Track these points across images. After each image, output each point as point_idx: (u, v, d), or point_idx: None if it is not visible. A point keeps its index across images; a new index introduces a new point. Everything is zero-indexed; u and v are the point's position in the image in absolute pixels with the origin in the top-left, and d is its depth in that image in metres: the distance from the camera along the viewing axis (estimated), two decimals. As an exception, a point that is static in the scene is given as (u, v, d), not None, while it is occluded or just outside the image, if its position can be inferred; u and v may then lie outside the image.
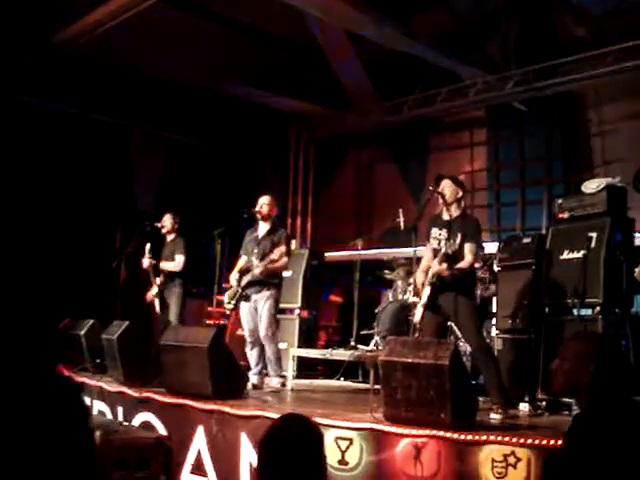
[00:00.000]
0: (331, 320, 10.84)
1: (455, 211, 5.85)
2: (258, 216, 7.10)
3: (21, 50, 9.65)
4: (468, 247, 5.65)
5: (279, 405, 6.15)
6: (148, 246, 8.10)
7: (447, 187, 5.85)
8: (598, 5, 9.07)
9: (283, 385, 6.89)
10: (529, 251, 6.84)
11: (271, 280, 6.92)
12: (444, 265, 5.56)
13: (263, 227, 7.13)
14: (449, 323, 6.30)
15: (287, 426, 2.74)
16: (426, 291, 5.66)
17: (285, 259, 6.92)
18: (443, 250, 5.57)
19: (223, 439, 5.40)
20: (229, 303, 6.98)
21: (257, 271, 6.81)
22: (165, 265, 8.15)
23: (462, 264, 5.62)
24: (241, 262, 7.18)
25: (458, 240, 5.61)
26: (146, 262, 8.07)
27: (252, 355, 6.98)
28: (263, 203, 7.11)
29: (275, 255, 6.80)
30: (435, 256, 5.74)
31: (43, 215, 10.24)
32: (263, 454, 2.69)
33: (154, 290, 8.10)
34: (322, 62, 10.68)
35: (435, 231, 5.84)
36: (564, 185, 9.91)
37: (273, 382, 6.83)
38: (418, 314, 5.71)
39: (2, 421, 1.42)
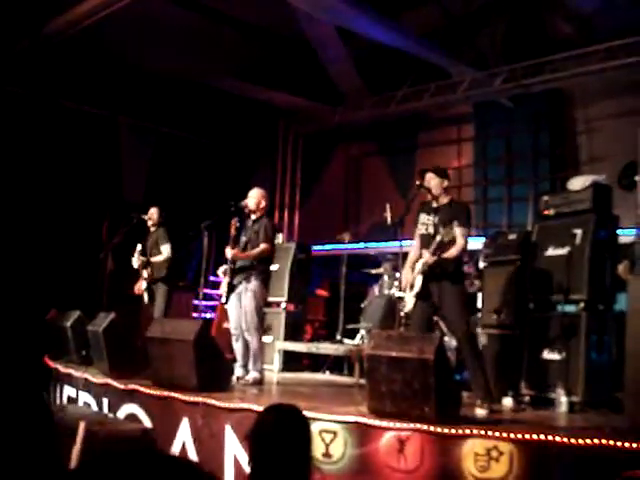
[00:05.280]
0: (317, 314, 10.86)
1: (443, 199, 5.87)
2: (245, 210, 7.08)
3: (12, 41, 9.59)
4: (459, 231, 5.59)
5: (264, 398, 6.16)
6: (139, 247, 8.07)
7: (432, 180, 5.86)
8: (587, 3, 9.12)
9: (261, 381, 6.84)
10: (514, 247, 6.88)
11: (255, 268, 6.88)
12: (435, 256, 5.55)
13: (252, 219, 7.12)
14: (435, 318, 6.32)
15: (274, 416, 2.76)
16: (418, 280, 5.65)
17: (263, 246, 6.89)
18: (438, 238, 5.53)
19: (208, 431, 5.41)
20: (223, 297, 6.97)
21: (229, 255, 6.82)
22: (155, 259, 8.12)
23: (453, 250, 5.57)
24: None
25: (454, 228, 5.56)
26: (136, 263, 8.05)
27: (238, 347, 6.97)
28: (249, 196, 7.09)
29: (260, 248, 6.83)
30: (423, 242, 5.75)
31: (30, 206, 10.20)
32: (252, 445, 2.71)
33: (143, 285, 8.09)
34: (312, 57, 10.69)
35: (423, 217, 5.82)
36: (550, 182, 9.96)
37: (250, 375, 6.80)
38: (410, 304, 5.71)
39: None
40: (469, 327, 5.91)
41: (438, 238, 5.55)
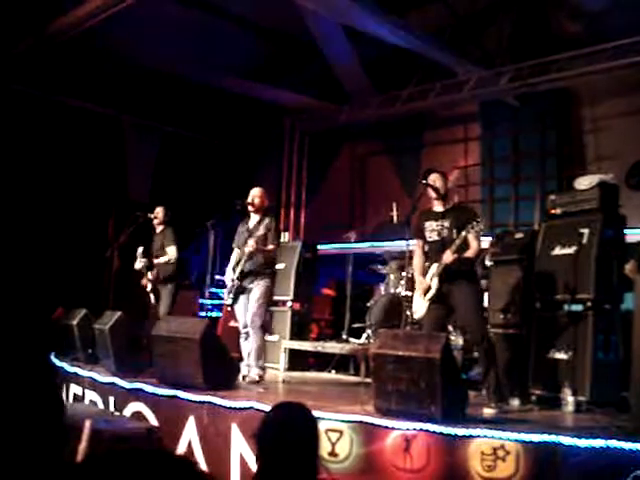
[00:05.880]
0: (323, 313, 10.84)
1: (448, 203, 5.88)
2: (250, 208, 7.09)
3: (16, 40, 9.60)
4: (472, 235, 5.61)
5: (270, 396, 6.16)
6: (140, 250, 8.08)
7: (437, 180, 5.87)
8: (593, 2, 9.09)
9: (261, 378, 6.86)
10: (521, 246, 6.86)
11: (264, 270, 6.91)
12: (456, 255, 5.54)
13: (254, 218, 7.13)
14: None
15: (281, 414, 2.76)
16: (434, 283, 5.65)
17: (271, 247, 6.92)
18: (458, 242, 5.54)
19: (214, 430, 5.41)
20: (228, 298, 6.98)
21: (249, 249, 6.80)
22: (160, 260, 8.13)
23: (469, 252, 5.61)
24: (234, 255, 7.19)
25: (468, 231, 5.55)
26: (139, 265, 8.07)
27: (246, 346, 6.98)
28: (254, 195, 7.12)
29: (271, 247, 6.84)
30: (434, 248, 5.74)
31: (36, 205, 10.21)
32: (259, 443, 2.71)
33: (148, 287, 8.10)
34: (318, 55, 10.68)
35: (431, 224, 5.82)
36: (557, 181, 9.93)
37: (252, 372, 6.81)
38: (423, 309, 5.70)
39: None
40: (486, 328, 5.91)
41: (463, 233, 5.51)
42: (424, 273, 5.79)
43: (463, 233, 5.52)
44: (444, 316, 5.83)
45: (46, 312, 8.82)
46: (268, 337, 7.53)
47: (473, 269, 5.90)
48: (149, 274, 8.08)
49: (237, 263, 7.02)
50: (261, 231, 6.97)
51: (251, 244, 6.79)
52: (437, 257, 5.67)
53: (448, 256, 5.54)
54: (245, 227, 7.17)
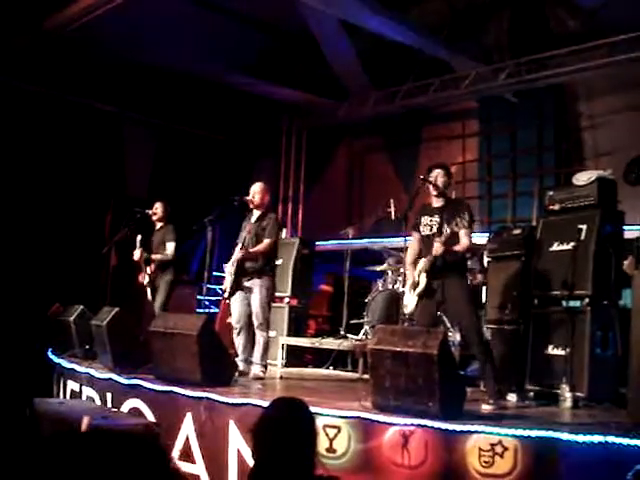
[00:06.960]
0: (321, 309, 10.83)
1: (445, 199, 5.86)
2: (250, 205, 7.08)
3: (13, 35, 9.57)
4: (464, 231, 5.61)
5: (267, 392, 6.16)
6: (139, 238, 8.06)
7: (439, 176, 5.85)
8: (591, -2, 9.08)
9: (264, 374, 6.88)
10: (519, 242, 6.85)
11: (264, 268, 6.90)
12: (445, 247, 5.51)
13: (256, 214, 7.12)
14: (438, 313, 6.30)
15: (279, 409, 2.75)
16: (422, 278, 5.64)
17: (267, 241, 6.91)
18: (448, 231, 5.52)
19: (211, 426, 5.40)
20: (225, 291, 6.99)
21: (239, 255, 6.81)
22: (157, 256, 8.11)
23: (458, 247, 5.60)
24: (236, 251, 7.18)
25: (456, 224, 5.54)
26: (137, 254, 8.04)
27: (239, 342, 6.98)
28: (254, 192, 7.10)
29: (262, 246, 6.84)
30: (426, 243, 5.73)
31: (34, 201, 10.19)
32: (256, 438, 2.70)
33: (146, 280, 8.07)
34: (316, 51, 10.66)
35: (426, 219, 5.82)
36: (555, 177, 9.94)
37: (256, 369, 6.82)
38: (412, 304, 5.69)
39: None
40: (480, 322, 5.89)
41: (448, 230, 5.51)
42: (414, 267, 5.79)
43: (449, 229, 5.51)
44: (436, 310, 5.83)
45: (43, 308, 8.79)
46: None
47: (463, 263, 5.89)
48: (147, 269, 8.05)
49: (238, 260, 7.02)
50: (260, 227, 6.97)
51: (237, 252, 6.80)
52: (428, 251, 5.67)
53: (437, 247, 5.53)
54: (248, 223, 7.17)
